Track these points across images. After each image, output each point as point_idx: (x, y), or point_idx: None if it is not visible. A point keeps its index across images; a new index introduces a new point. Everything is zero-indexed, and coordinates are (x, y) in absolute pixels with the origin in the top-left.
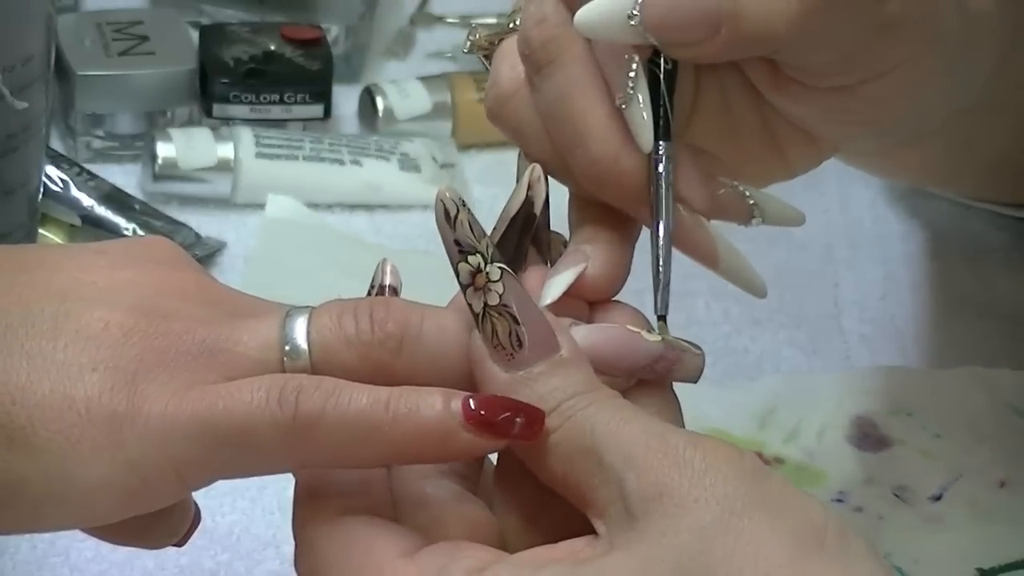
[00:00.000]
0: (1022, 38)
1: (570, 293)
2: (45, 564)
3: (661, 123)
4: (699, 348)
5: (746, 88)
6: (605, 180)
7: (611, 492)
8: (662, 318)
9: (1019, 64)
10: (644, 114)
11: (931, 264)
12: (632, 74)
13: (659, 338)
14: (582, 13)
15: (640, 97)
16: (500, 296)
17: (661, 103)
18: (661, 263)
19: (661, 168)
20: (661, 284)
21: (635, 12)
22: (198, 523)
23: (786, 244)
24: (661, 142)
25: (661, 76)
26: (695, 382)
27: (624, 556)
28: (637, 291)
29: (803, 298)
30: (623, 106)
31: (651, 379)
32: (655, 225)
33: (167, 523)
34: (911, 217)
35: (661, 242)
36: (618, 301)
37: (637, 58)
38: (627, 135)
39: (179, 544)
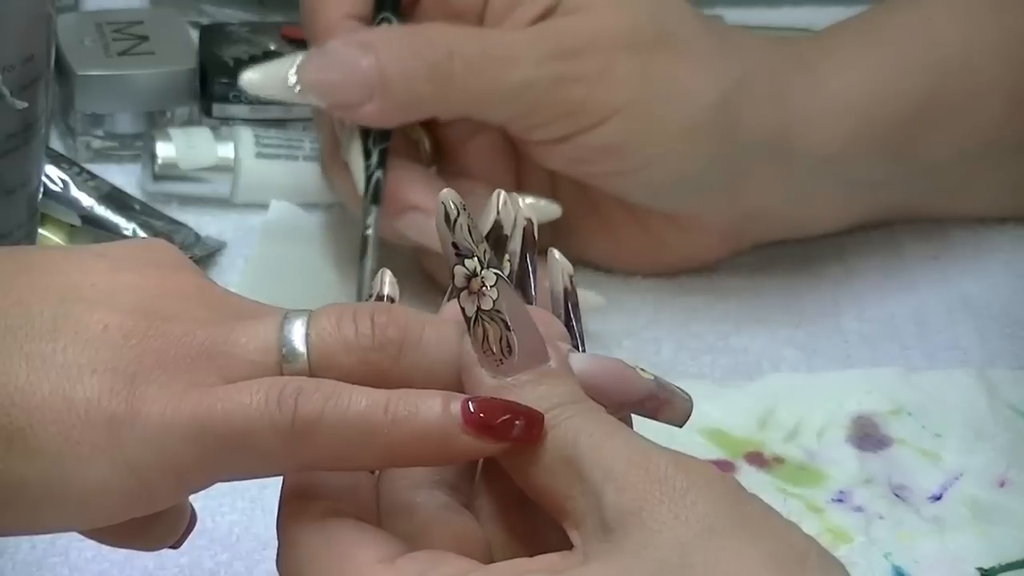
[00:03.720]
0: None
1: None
2: (45, 564)
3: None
4: (687, 395)
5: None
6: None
7: (589, 504)
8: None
9: None
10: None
11: (931, 263)
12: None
13: (652, 377)
14: (248, 74)
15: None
16: (494, 301)
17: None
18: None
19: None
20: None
21: (292, 77)
22: (194, 525)
23: (787, 243)
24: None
25: (370, 142)
26: (680, 426)
27: (600, 567)
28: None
29: (803, 298)
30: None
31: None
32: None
33: (164, 525)
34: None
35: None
36: None
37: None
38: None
39: (175, 546)
